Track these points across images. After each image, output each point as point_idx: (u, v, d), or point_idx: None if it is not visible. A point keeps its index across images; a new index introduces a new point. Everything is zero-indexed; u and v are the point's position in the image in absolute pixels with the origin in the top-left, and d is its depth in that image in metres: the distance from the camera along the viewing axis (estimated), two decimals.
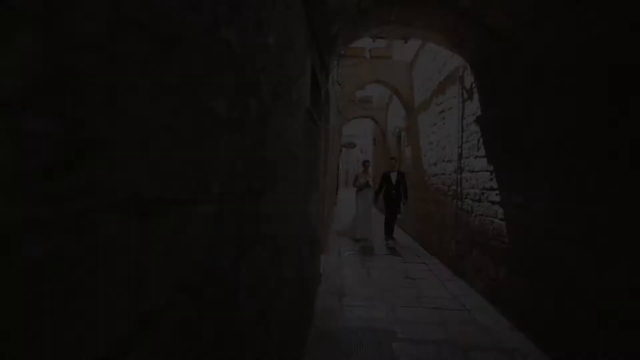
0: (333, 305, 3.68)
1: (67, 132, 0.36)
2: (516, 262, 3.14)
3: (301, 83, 2.11)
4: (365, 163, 7.38)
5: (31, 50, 0.31)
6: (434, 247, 5.91)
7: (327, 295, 3.92)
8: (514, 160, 3.25)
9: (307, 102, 2.29)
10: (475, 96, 4.26)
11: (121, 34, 0.43)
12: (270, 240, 1.31)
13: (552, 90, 2.70)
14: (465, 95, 4.61)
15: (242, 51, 0.90)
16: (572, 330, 2.34)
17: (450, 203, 5.08)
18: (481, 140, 4.05)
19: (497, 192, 3.58)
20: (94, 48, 0.39)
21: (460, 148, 4.73)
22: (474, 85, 4.30)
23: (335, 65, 6.16)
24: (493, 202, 3.67)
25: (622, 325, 1.92)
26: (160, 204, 0.53)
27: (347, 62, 8.09)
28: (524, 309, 2.97)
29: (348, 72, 8.12)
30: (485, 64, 3.75)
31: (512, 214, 3.25)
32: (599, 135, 2.18)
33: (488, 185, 3.81)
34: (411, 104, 7.92)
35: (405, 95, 8.19)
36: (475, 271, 4.11)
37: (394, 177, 6.68)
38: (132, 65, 0.46)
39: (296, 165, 1.96)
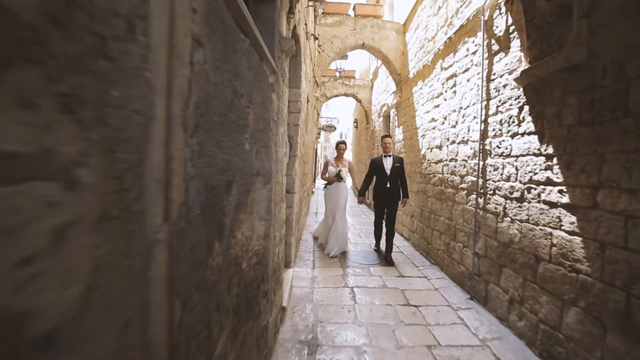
0: None
1: None
2: (614, 312, 1.82)
3: None
4: (339, 145, 5.06)
5: None
6: (435, 253, 4.61)
7: (292, 348, 2.51)
8: (608, 135, 1.89)
9: None
10: (515, 44, 2.87)
11: None
12: None
13: None
14: (495, 47, 3.21)
15: None
16: None
17: (464, 199, 3.75)
18: (526, 108, 2.69)
19: (564, 187, 2.24)
20: None
21: (484, 123, 3.36)
22: (513, 29, 2.91)
23: (311, 13, 4.62)
24: (553, 204, 2.33)
25: None
26: None
27: (327, 21, 6.53)
28: None
29: (327, 34, 6.57)
30: None
31: (603, 227, 1.91)
32: None
33: (541, 177, 2.47)
34: (404, 75, 6.49)
35: (396, 64, 6.75)
36: (509, 302, 2.81)
37: (388, 164, 4.69)
38: None
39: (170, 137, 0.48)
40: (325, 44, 6.54)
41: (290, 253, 3.95)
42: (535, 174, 2.53)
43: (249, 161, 1.33)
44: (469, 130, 3.70)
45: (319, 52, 6.52)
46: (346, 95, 11.14)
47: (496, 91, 3.16)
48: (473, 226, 3.48)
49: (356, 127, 14.09)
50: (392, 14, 7.95)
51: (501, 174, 3.02)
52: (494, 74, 3.21)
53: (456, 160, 4.01)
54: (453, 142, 4.11)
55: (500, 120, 3.06)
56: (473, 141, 3.59)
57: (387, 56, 6.75)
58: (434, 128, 4.82)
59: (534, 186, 2.55)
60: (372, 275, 4.16)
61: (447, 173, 4.26)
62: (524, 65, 2.70)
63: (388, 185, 4.65)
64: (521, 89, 2.77)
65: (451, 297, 3.53)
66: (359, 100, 11.22)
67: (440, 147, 4.55)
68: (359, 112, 12.74)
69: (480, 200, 3.36)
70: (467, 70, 3.81)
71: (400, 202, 4.78)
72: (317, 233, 5.68)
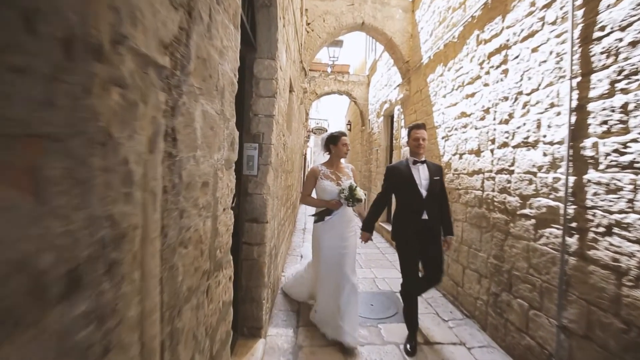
0: None
1: None
2: None
3: None
4: (340, 137, 2.80)
5: None
6: (469, 302, 3.26)
7: None
8: None
9: None
10: None
11: None
12: None
13: None
14: None
15: None
16: None
17: (532, 234, 2.41)
18: None
19: None
20: None
21: (577, 113, 2.04)
22: None
23: None
24: None
25: None
26: None
27: None
28: None
29: (318, 9, 5.24)
30: None
31: None
32: None
33: None
34: (414, 62, 5.20)
35: (403, 50, 5.45)
36: None
37: (422, 175, 2.67)
38: None
39: None
40: (316, 21, 5.20)
41: (261, 315, 2.55)
42: None
43: None
44: (539, 126, 2.38)
45: (308, 32, 5.19)
46: (339, 92, 9.83)
47: (608, 56, 1.84)
48: (557, 280, 2.14)
49: (350, 129, 12.79)
50: None
51: (628, 200, 1.69)
52: (601, 29, 1.89)
53: (511, 172, 2.68)
54: (504, 144, 2.79)
55: (623, 106, 1.74)
56: (549, 143, 2.27)
57: (392, 39, 5.45)
58: (465, 126, 3.51)
59: None
60: (385, 343, 2.78)
61: (493, 190, 2.93)
62: None
63: (425, 217, 2.59)
64: None
65: None
66: (353, 99, 9.92)
67: (478, 153, 3.23)
68: (353, 113, 11.45)
69: (572, 240, 2.03)
70: (531, 35, 2.50)
71: (443, 242, 2.76)
72: (294, 291, 3.44)
